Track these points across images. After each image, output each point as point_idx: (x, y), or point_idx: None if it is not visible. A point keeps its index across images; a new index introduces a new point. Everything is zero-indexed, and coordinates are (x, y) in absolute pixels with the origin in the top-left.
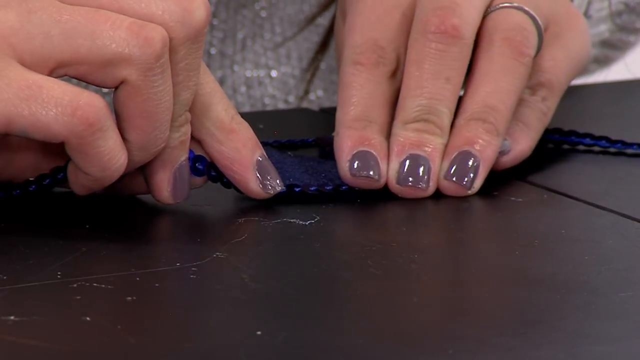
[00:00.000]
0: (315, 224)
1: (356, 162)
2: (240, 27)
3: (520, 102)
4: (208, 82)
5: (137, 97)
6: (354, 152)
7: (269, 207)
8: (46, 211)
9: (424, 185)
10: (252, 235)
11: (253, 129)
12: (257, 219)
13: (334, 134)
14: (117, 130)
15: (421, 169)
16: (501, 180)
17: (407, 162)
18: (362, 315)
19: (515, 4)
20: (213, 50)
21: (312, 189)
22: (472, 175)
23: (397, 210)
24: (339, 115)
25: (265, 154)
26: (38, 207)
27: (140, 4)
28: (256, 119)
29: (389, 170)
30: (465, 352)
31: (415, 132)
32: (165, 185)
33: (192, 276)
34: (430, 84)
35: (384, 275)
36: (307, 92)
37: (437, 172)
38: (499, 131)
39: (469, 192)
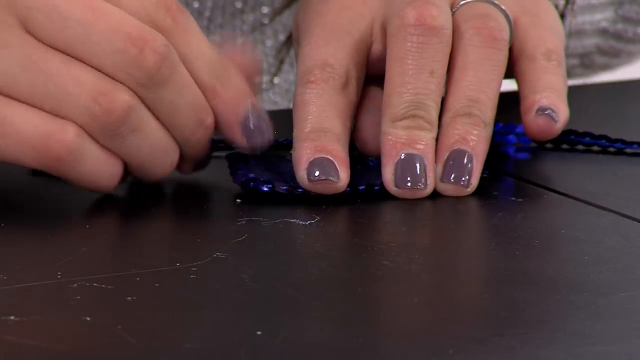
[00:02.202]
0: (315, 224)
1: (314, 169)
2: (240, 33)
3: (542, 70)
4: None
5: (119, 152)
6: (311, 159)
7: (269, 207)
8: (46, 211)
9: (422, 185)
10: (252, 235)
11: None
12: (257, 219)
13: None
14: (98, 148)
15: (417, 168)
16: (501, 180)
17: (402, 163)
18: (362, 315)
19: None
20: None
21: (283, 188)
22: (468, 173)
23: (397, 210)
24: (295, 133)
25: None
26: (38, 207)
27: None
28: None
29: (385, 174)
30: (465, 352)
31: (406, 130)
32: (239, 140)
33: (192, 276)
34: (415, 79)
35: (384, 275)
36: None
37: (433, 169)
38: (486, 122)
39: (468, 190)
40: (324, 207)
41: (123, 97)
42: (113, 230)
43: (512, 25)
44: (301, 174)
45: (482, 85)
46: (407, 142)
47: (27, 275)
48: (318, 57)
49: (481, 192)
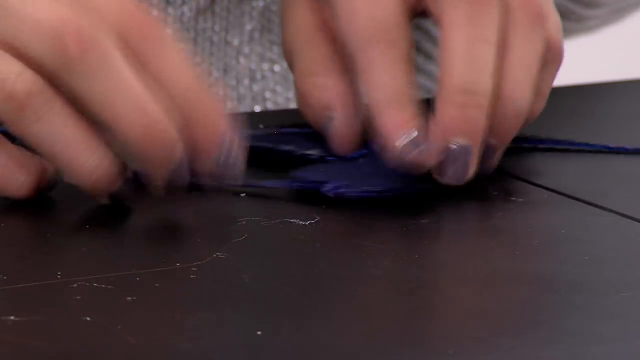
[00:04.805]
0: (315, 224)
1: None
2: (248, 19)
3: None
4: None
5: (29, 142)
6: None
7: (269, 207)
8: (47, 211)
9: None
10: (252, 235)
11: (254, 128)
12: (257, 219)
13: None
14: (9, 154)
15: (463, 163)
16: (501, 180)
17: (451, 154)
18: (362, 315)
19: None
20: (215, 38)
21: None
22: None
23: (397, 210)
24: (377, 95)
25: (233, 136)
26: (38, 207)
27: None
28: (257, 119)
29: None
30: (465, 352)
31: (460, 109)
32: (159, 187)
33: (192, 276)
34: (476, 48)
35: (384, 275)
36: None
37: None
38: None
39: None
40: (324, 207)
41: (26, 83)
42: (113, 230)
43: None
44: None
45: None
46: (461, 126)
47: (27, 275)
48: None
49: (481, 192)
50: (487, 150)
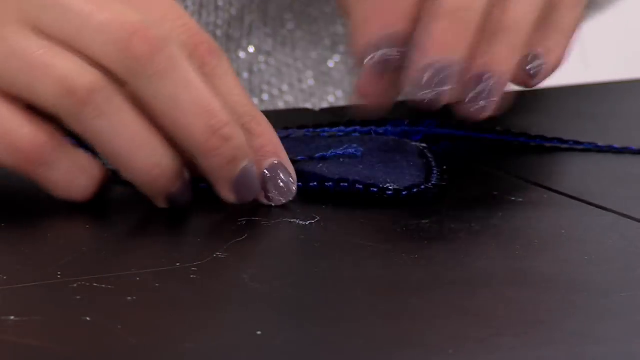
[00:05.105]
0: (315, 224)
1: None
2: (247, 12)
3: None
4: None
5: (90, 140)
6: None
7: (269, 207)
8: (46, 211)
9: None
10: (252, 235)
11: None
12: (257, 219)
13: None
14: (73, 156)
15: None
16: (501, 180)
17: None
18: (362, 315)
19: None
20: (219, 32)
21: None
22: (490, 95)
23: (397, 210)
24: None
25: (251, 161)
26: (38, 207)
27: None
28: None
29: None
30: (465, 352)
31: (445, 33)
32: (227, 196)
33: (192, 276)
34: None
35: (384, 275)
36: (300, 81)
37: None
38: (519, 46)
39: (486, 113)
40: (324, 207)
41: (88, 79)
42: (113, 230)
43: None
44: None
45: (522, 8)
46: (449, 40)
47: (27, 275)
48: None
49: (481, 192)
50: (484, 89)
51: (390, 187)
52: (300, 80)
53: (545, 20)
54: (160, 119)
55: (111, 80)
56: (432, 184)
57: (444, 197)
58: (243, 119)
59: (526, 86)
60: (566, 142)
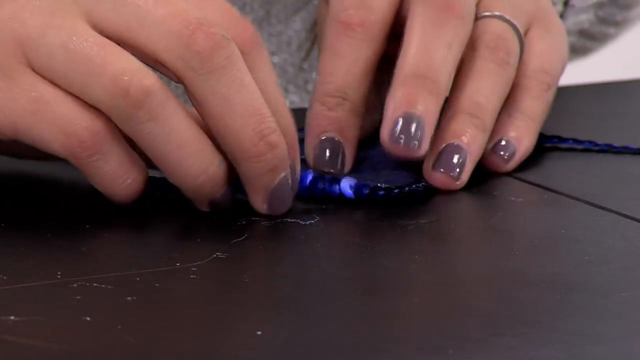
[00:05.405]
0: (315, 224)
1: (324, 149)
2: (249, 10)
3: (522, 91)
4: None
5: (139, 141)
6: (323, 137)
7: None
8: (46, 211)
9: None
10: (252, 235)
11: None
12: (257, 219)
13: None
14: (124, 151)
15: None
16: (501, 180)
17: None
18: (362, 315)
19: (497, 13)
20: None
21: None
22: (459, 167)
23: (397, 210)
24: (315, 86)
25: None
26: (38, 207)
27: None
28: None
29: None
30: (465, 352)
31: (413, 88)
32: (260, 206)
33: (192, 276)
34: (434, 50)
35: (384, 276)
36: (306, 81)
37: (430, 134)
38: (485, 128)
39: (457, 183)
40: (324, 207)
41: (144, 80)
42: (113, 230)
43: (522, 44)
44: (308, 152)
45: (488, 92)
46: (410, 102)
47: (27, 275)
48: None
49: (481, 192)
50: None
51: (381, 186)
52: (305, 81)
53: (514, 107)
54: (209, 119)
55: (165, 85)
56: (423, 185)
57: (444, 197)
58: (274, 114)
59: (499, 171)
60: (565, 140)
